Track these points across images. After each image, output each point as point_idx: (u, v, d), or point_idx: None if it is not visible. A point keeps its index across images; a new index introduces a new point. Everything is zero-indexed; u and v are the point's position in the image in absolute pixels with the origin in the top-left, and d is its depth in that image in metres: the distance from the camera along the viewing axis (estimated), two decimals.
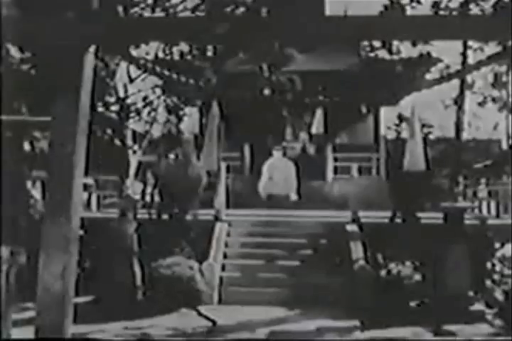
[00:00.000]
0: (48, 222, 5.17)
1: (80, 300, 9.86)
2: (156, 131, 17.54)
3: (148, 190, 14.54)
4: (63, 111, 5.13)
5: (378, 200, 14.48)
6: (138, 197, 14.52)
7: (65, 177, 5.10)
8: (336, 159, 18.80)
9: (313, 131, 14.54)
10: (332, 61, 18.87)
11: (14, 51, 12.79)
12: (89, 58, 5.30)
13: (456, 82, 12.14)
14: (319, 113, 13.70)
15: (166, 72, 9.63)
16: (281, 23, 6.04)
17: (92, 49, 5.27)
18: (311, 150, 19.72)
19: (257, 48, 13.43)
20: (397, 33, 6.05)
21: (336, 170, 18.72)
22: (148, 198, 14.50)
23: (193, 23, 6.00)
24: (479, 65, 9.39)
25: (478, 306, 10.23)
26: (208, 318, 9.61)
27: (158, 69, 9.60)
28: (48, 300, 5.05)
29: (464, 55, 12.31)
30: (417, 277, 10.33)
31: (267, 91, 16.20)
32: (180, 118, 18.48)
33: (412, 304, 10.12)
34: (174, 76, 9.43)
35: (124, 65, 7.67)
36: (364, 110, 20.77)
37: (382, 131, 21.07)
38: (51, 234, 5.15)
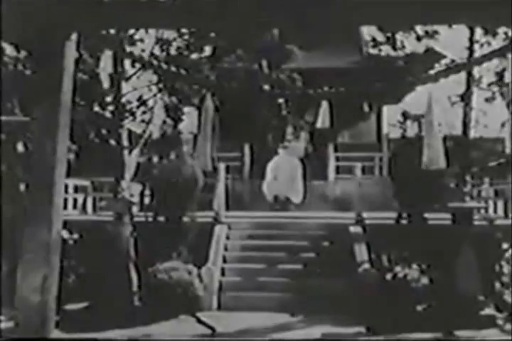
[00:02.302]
0: (27, 229, 4.72)
1: (73, 306, 10.03)
2: (155, 131, 17.25)
3: (147, 191, 14.22)
4: (42, 107, 4.70)
5: (383, 201, 14.21)
6: (136, 199, 14.25)
7: (45, 179, 4.66)
8: (337, 158, 18.60)
9: (319, 125, 13.98)
10: (333, 58, 18.65)
11: (10, 50, 12.46)
12: (70, 47, 4.88)
13: (462, 78, 11.76)
14: (325, 105, 13.24)
15: (164, 65, 9.25)
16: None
17: (73, 37, 4.84)
18: (313, 149, 19.41)
19: (255, 44, 13.07)
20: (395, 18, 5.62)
21: (337, 170, 18.48)
22: (147, 200, 14.17)
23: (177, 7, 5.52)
24: (483, 59, 8.99)
25: (489, 311, 9.87)
26: (207, 325, 9.34)
27: (155, 62, 9.30)
28: (27, 314, 4.60)
29: (470, 49, 11.93)
30: (425, 280, 10.00)
31: (266, 87, 15.80)
32: (178, 118, 18.16)
33: (420, 308, 9.76)
34: (172, 69, 9.02)
35: (108, 53, 7.29)
36: (366, 108, 20.57)
37: (385, 129, 20.83)
38: (30, 242, 4.71)
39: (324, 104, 15.34)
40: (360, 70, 18.71)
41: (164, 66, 9.05)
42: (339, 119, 18.89)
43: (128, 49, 11.47)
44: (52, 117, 4.64)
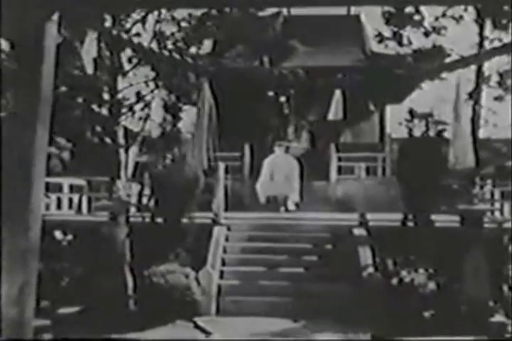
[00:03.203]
0: (2, 233, 4.27)
1: (66, 310, 9.85)
2: (154, 130, 16.92)
3: (146, 191, 13.89)
4: (20, 95, 4.28)
5: (387, 202, 13.94)
6: (135, 199, 13.98)
7: (22, 177, 4.22)
8: (339, 159, 18.29)
9: (330, 116, 13.38)
10: (336, 57, 18.40)
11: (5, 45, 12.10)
12: (51, 29, 4.44)
13: (471, 75, 11.40)
14: (338, 95, 12.74)
15: (164, 52, 8.87)
16: None
17: (55, 17, 4.40)
18: (314, 149, 19.10)
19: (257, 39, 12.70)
20: None
21: (339, 170, 18.18)
22: (145, 200, 13.84)
23: None
24: (491, 53, 8.60)
25: (499, 317, 9.49)
26: (204, 331, 9.09)
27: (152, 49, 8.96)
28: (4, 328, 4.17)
29: (480, 45, 11.55)
30: (432, 285, 9.67)
31: (268, 84, 15.45)
32: (177, 117, 17.83)
33: (427, 314, 9.41)
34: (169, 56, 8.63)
35: (93, 35, 6.90)
36: (372, 107, 20.34)
37: (388, 129, 20.68)
38: (5, 248, 4.27)
39: (337, 94, 14.65)
40: (363, 69, 18.48)
41: (162, 54, 8.71)
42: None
43: (125, 36, 11.14)
44: (30, 109, 4.21)
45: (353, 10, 21.83)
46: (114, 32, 10.46)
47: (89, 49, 6.99)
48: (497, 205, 14.36)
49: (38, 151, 4.32)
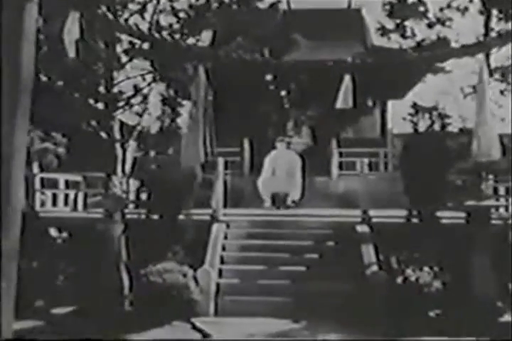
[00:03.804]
0: None
1: (60, 310, 9.75)
2: (152, 125, 16.69)
3: (144, 187, 13.67)
4: None
5: (390, 198, 13.59)
6: (133, 195, 13.77)
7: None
8: (341, 154, 18.15)
9: (339, 104, 12.77)
10: (337, 51, 18.12)
11: None
12: (31, 10, 4.09)
13: (476, 68, 11.05)
14: (347, 80, 12.11)
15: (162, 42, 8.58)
16: None
17: None
18: (315, 145, 18.87)
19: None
20: None
21: (340, 166, 18.03)
22: (142, 197, 13.62)
23: None
24: (497, 41, 8.22)
25: (508, 317, 9.26)
26: (202, 332, 8.83)
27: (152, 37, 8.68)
28: None
29: (485, 37, 11.21)
30: (437, 284, 9.42)
31: (268, 77, 15.08)
32: (176, 112, 17.60)
33: (432, 314, 9.24)
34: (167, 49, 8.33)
35: (75, 15, 6.52)
36: (370, 103, 20.17)
37: (390, 123, 20.48)
38: None
39: (346, 79, 13.87)
40: (364, 63, 18.20)
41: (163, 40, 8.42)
42: (342, 112, 18.51)
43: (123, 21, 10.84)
44: (9, 98, 3.88)
45: (354, 3, 21.67)
46: (110, 16, 10.14)
47: (70, 29, 6.63)
48: (502, 201, 14.13)
49: (17, 142, 3.97)
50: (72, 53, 7.31)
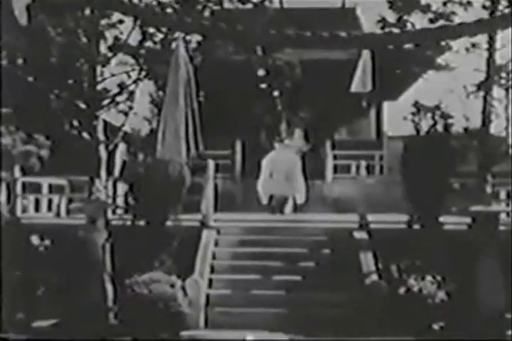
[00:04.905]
0: None
1: (41, 324, 9.43)
2: (139, 126, 16.25)
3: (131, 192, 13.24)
4: None
5: (388, 202, 13.35)
6: (121, 200, 13.38)
7: None
8: (335, 157, 17.83)
9: (354, 88, 11.94)
10: (331, 50, 17.84)
11: None
12: None
13: (482, 64, 10.64)
14: (365, 56, 11.25)
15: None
16: None
17: None
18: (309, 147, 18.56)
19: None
20: None
21: (335, 169, 17.71)
22: (127, 201, 13.18)
23: None
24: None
25: None
26: None
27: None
28: None
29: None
30: (441, 295, 9.10)
31: (261, 72, 14.66)
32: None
33: (436, 327, 8.94)
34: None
35: None
36: (365, 104, 19.97)
37: (385, 125, 20.35)
38: None
39: (365, 55, 12.56)
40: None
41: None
42: (336, 114, 18.52)
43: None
44: None
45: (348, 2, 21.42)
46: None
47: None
48: (503, 205, 13.79)
49: None
50: (23, 21, 6.81)
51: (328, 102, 18.09)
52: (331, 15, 20.00)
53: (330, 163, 17.60)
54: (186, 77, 9.27)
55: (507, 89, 10.64)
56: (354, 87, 11.33)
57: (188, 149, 9.49)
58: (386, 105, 20.99)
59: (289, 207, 14.79)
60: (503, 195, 13.63)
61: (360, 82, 11.24)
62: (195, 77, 9.50)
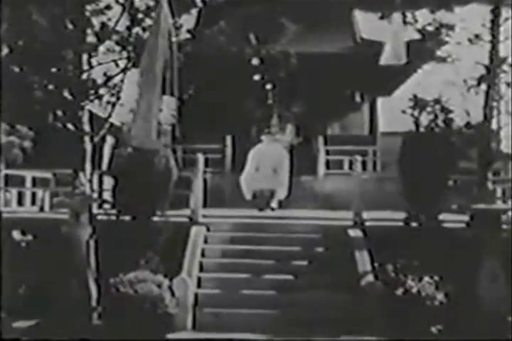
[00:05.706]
0: None
1: (22, 324, 9.14)
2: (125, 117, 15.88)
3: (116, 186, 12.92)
4: None
5: (383, 199, 13.14)
6: (109, 194, 13.05)
7: None
8: (327, 152, 17.61)
9: (384, 60, 11.10)
10: (325, 43, 17.61)
11: None
12: None
13: (484, 57, 10.31)
14: (397, 19, 9.96)
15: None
16: None
17: None
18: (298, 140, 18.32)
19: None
20: None
21: (327, 165, 17.51)
22: (117, 196, 12.84)
23: None
24: None
25: None
26: None
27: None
28: None
29: (493, 22, 10.47)
30: (440, 297, 8.79)
31: (255, 61, 14.29)
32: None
33: (434, 330, 8.65)
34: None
35: None
36: (358, 99, 19.76)
37: (381, 121, 20.07)
38: None
39: (396, 18, 10.68)
40: (352, 57, 17.73)
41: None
42: (329, 109, 18.44)
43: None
44: None
45: None
46: None
47: None
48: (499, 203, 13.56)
49: None
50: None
51: (321, 97, 17.86)
52: (325, 8, 19.81)
53: (322, 159, 17.37)
54: (168, 38, 8.12)
55: (508, 84, 10.35)
56: (384, 59, 10.53)
57: (160, 132, 8.70)
58: (381, 100, 20.83)
59: (275, 202, 14.40)
60: (499, 192, 13.45)
61: (393, 52, 10.29)
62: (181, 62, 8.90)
